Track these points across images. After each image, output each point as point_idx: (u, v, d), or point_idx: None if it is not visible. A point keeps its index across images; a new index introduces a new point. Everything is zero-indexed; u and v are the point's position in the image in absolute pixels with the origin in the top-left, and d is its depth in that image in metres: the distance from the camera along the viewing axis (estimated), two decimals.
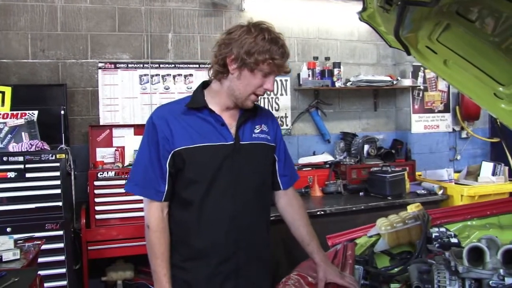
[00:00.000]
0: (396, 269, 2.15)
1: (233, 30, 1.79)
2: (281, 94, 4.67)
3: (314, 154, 4.77)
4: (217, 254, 1.84)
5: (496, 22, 1.73)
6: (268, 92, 1.99)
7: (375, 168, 4.36)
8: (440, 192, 4.29)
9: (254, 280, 1.91)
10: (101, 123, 4.05)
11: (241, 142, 1.86)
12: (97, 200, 3.50)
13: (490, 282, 1.60)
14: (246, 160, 1.87)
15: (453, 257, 1.78)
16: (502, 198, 3.01)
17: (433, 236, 2.14)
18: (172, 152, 1.79)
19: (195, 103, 1.86)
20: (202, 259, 1.83)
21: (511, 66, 1.97)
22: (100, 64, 4.07)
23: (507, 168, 4.44)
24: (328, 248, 2.34)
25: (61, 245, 3.24)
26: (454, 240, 2.10)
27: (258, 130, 1.94)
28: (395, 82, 4.89)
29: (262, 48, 1.73)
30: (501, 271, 1.60)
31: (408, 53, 2.27)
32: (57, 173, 3.25)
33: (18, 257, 2.29)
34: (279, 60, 1.76)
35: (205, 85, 1.93)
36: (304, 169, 4.50)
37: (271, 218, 2.08)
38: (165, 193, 1.81)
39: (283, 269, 2.57)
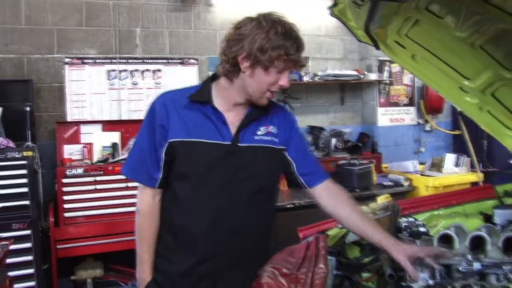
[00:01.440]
0: (366, 259, 2.21)
1: (242, 25, 1.70)
2: None
3: None
4: (196, 254, 1.80)
5: (463, 18, 1.79)
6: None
7: (343, 161, 4.45)
8: (406, 183, 4.43)
9: (234, 284, 1.85)
10: (68, 120, 3.99)
11: (238, 144, 1.77)
12: (65, 198, 3.45)
13: (459, 267, 1.68)
14: (241, 164, 1.78)
15: (424, 245, 1.86)
16: (466, 188, 3.14)
17: (403, 226, 2.19)
18: (169, 141, 1.74)
19: (199, 97, 1.79)
20: (182, 254, 1.81)
21: (477, 61, 2.05)
22: (66, 60, 4.01)
23: (469, 159, 4.62)
24: (299, 241, 2.37)
25: (29, 244, 3.19)
26: (422, 229, 2.14)
27: (263, 132, 1.84)
28: (361, 76, 5.01)
29: (276, 43, 1.64)
30: (469, 257, 1.68)
31: (377, 48, 2.32)
32: (24, 171, 3.19)
33: None
34: (294, 55, 1.68)
35: (214, 77, 1.85)
36: None
37: None
38: (158, 180, 1.79)
39: None
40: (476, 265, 1.64)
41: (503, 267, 1.58)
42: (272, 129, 1.84)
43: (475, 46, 1.91)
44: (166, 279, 1.84)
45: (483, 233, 1.76)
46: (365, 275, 2.12)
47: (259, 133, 1.80)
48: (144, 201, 1.83)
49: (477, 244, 1.76)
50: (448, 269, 1.73)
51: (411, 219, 2.27)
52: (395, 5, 1.84)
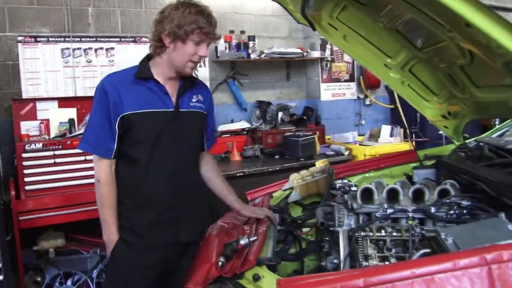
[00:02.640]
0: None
1: (164, 9, 2.04)
2: (200, 66, 4.77)
3: (232, 121, 5.06)
4: (159, 204, 2.11)
5: (380, 6, 2.10)
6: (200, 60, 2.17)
7: (289, 133, 4.76)
8: (346, 153, 4.80)
9: (191, 225, 2.20)
10: (23, 97, 4.04)
11: (180, 110, 2.12)
12: (25, 171, 3.53)
13: (377, 214, 2.03)
14: (184, 125, 2.14)
15: (350, 197, 2.20)
16: (393, 153, 3.46)
17: (337, 186, 2.47)
18: (121, 115, 2.02)
19: (142, 74, 2.09)
20: (145, 209, 2.11)
21: (395, 42, 2.38)
22: (19, 38, 4.03)
23: (402, 130, 5.05)
24: (247, 203, 2.62)
25: None
26: (354, 189, 2.41)
27: (195, 100, 2.21)
28: (305, 54, 5.29)
29: (189, 19, 1.96)
30: (385, 205, 2.04)
31: (314, 29, 2.62)
32: None
33: None
34: (206, 28, 2.00)
35: (149, 57, 2.15)
36: (223, 136, 4.78)
37: None
38: (114, 151, 2.06)
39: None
40: (389, 211, 2.00)
41: (408, 211, 1.93)
42: (200, 97, 2.23)
43: (392, 30, 2.24)
44: (133, 234, 2.11)
45: (396, 186, 2.12)
46: (305, 229, 2.45)
47: (193, 100, 2.19)
48: (103, 171, 2.10)
49: (394, 196, 2.11)
50: (369, 216, 2.09)
51: (345, 181, 2.56)
52: None
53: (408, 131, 5.09)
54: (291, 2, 2.55)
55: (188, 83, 2.19)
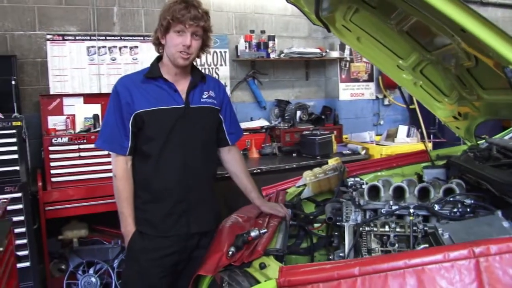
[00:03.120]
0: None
1: None
2: (221, 65, 5.01)
3: (251, 119, 5.16)
4: (172, 197, 2.22)
5: (390, 9, 2.16)
6: (188, 50, 2.13)
7: (306, 132, 4.82)
8: (363, 152, 4.83)
9: (202, 217, 2.30)
10: (51, 93, 4.20)
11: (190, 106, 2.21)
12: (52, 164, 3.70)
13: (382, 210, 2.10)
14: (195, 120, 2.23)
15: (357, 194, 2.27)
16: (406, 153, 3.49)
17: (349, 184, 2.51)
18: (134, 114, 2.14)
19: (152, 73, 2.21)
20: (159, 202, 2.22)
21: (406, 44, 2.44)
22: (48, 36, 4.20)
23: (419, 130, 5.07)
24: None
25: (20, 206, 3.39)
26: (364, 186, 2.51)
27: (206, 96, 2.28)
28: (324, 54, 5.35)
29: (167, 9, 2.06)
30: (391, 202, 2.11)
31: (328, 31, 2.70)
32: (14, 140, 3.38)
33: None
34: (181, 17, 2.02)
35: (159, 58, 2.26)
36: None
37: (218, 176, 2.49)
38: (128, 148, 2.18)
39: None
40: (394, 208, 2.08)
41: (410, 207, 2.00)
42: (211, 93, 2.30)
43: (402, 32, 2.30)
44: (148, 226, 2.23)
45: (402, 184, 2.18)
46: (316, 225, 2.54)
47: (204, 96, 2.27)
48: (120, 167, 2.23)
49: (400, 194, 2.17)
50: (375, 212, 2.16)
51: (357, 179, 2.60)
52: None
53: (423, 131, 5.21)
54: (306, 5, 2.63)
55: (198, 79, 2.28)
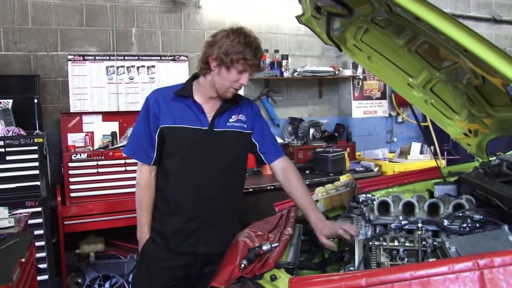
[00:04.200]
0: None
1: (216, 34, 2.17)
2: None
3: None
4: (184, 214, 2.25)
5: (398, 30, 2.22)
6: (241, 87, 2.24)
7: (319, 149, 4.85)
8: (376, 169, 4.85)
9: (212, 239, 2.29)
10: (71, 111, 4.34)
11: (214, 129, 2.23)
12: (71, 180, 3.81)
13: (392, 225, 2.13)
14: (217, 144, 2.23)
15: (367, 209, 2.31)
16: (418, 169, 3.48)
17: (360, 200, 2.51)
18: (160, 127, 2.20)
19: (183, 92, 2.25)
20: (173, 217, 2.27)
21: (415, 62, 2.47)
22: (69, 57, 4.36)
23: (432, 147, 5.08)
24: (275, 213, 2.75)
25: (40, 220, 3.47)
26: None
27: (233, 120, 2.28)
28: (337, 72, 5.42)
29: (237, 49, 2.07)
30: (400, 217, 2.13)
31: (340, 50, 2.75)
32: (35, 156, 3.49)
33: (12, 224, 2.64)
34: (251, 60, 2.09)
35: (194, 76, 2.31)
36: None
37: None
38: (153, 159, 2.25)
39: None
40: (404, 223, 2.11)
41: (419, 222, 2.04)
42: (241, 117, 2.30)
43: (411, 51, 2.34)
44: (161, 237, 2.28)
45: (411, 200, 2.21)
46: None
47: (231, 120, 2.27)
48: (143, 176, 2.29)
49: (410, 209, 2.21)
50: (385, 227, 2.19)
51: (368, 195, 2.61)
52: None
53: (437, 148, 5.21)
54: (317, 25, 2.68)
55: (230, 103, 2.28)
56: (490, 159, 2.92)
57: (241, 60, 2.09)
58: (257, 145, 2.39)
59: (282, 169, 2.44)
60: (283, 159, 2.47)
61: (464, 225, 2.03)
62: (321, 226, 2.21)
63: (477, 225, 2.01)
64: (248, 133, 2.34)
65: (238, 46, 2.08)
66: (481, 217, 2.02)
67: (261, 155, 2.41)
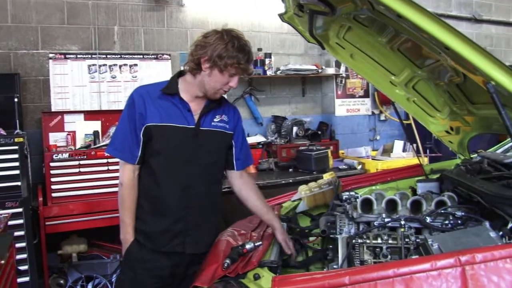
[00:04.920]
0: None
1: (209, 35, 2.14)
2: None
3: (248, 135, 5.08)
4: (170, 214, 2.23)
5: (381, 28, 2.23)
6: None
7: (303, 147, 4.87)
8: (359, 167, 4.89)
9: (199, 239, 2.27)
10: (52, 110, 4.27)
11: (200, 128, 2.22)
12: (53, 179, 3.75)
13: (375, 223, 2.14)
14: (202, 142, 2.23)
15: (351, 207, 2.32)
16: (401, 167, 3.51)
17: (344, 198, 2.55)
18: (145, 125, 2.17)
19: (169, 90, 2.22)
20: (159, 217, 2.24)
21: (398, 61, 2.49)
22: (50, 55, 4.29)
23: (414, 145, 5.11)
24: None
25: (21, 221, 3.40)
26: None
27: (218, 120, 2.29)
28: (320, 70, 5.43)
29: (231, 54, 2.07)
30: (384, 215, 2.15)
31: (323, 48, 2.75)
32: (16, 156, 3.42)
33: None
34: (244, 65, 2.12)
35: (180, 74, 2.29)
36: None
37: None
38: (138, 157, 2.21)
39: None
40: (386, 220, 2.12)
41: (401, 219, 2.05)
42: (224, 117, 2.31)
43: (394, 49, 2.35)
44: (146, 238, 2.25)
45: (394, 197, 2.22)
46: (311, 238, 2.57)
47: (215, 120, 2.28)
48: (126, 175, 2.24)
49: (393, 207, 2.22)
50: (368, 225, 2.21)
51: (352, 193, 2.62)
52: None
53: (419, 145, 5.25)
54: (300, 23, 2.68)
55: (214, 103, 2.28)
56: (472, 156, 2.96)
57: (235, 65, 2.10)
58: (234, 149, 2.40)
59: (244, 178, 2.46)
60: (246, 170, 2.53)
61: (446, 222, 2.06)
62: (279, 227, 2.30)
63: (459, 221, 2.04)
64: (230, 134, 2.35)
65: (233, 50, 2.08)
66: (463, 213, 2.05)
67: (234, 161, 2.41)
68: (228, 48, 2.08)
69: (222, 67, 2.10)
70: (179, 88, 2.24)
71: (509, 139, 3.31)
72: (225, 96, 2.40)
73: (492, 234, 1.62)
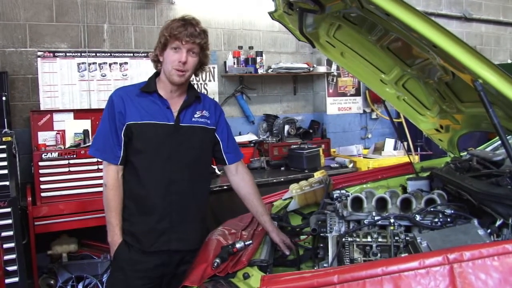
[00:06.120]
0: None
1: None
2: (209, 80, 5.08)
3: (240, 134, 5.18)
4: (155, 213, 2.22)
5: (372, 27, 2.23)
6: (184, 66, 2.17)
7: (294, 146, 4.88)
8: (351, 165, 4.89)
9: (185, 236, 2.27)
10: (41, 109, 4.23)
11: (180, 124, 2.22)
12: (42, 179, 3.72)
13: (365, 221, 2.14)
14: (184, 139, 2.23)
15: (341, 205, 2.32)
16: (392, 165, 3.52)
17: (334, 196, 2.52)
18: (126, 124, 2.17)
19: (148, 88, 2.24)
20: (143, 216, 2.23)
21: (388, 59, 2.49)
22: (39, 53, 4.25)
23: (405, 143, 5.15)
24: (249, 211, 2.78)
25: (9, 221, 3.36)
26: None
27: (198, 115, 2.29)
28: (311, 69, 5.44)
29: (166, 27, 2.13)
30: (374, 213, 2.15)
31: (313, 46, 2.75)
32: (4, 155, 3.38)
33: None
34: (179, 34, 2.08)
35: (157, 74, 2.29)
36: None
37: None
38: (120, 158, 2.20)
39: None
40: (376, 218, 2.13)
41: (391, 217, 2.05)
42: (205, 113, 2.32)
43: (383, 48, 2.35)
44: (134, 238, 2.24)
45: (384, 195, 2.22)
46: (302, 237, 2.57)
47: (196, 115, 2.28)
48: (110, 176, 2.24)
49: (383, 205, 2.22)
50: (358, 223, 2.21)
51: (342, 191, 2.62)
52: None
53: (410, 143, 5.28)
54: (290, 22, 2.68)
55: (193, 99, 2.29)
56: (461, 154, 2.97)
57: (170, 35, 2.10)
58: (221, 144, 2.40)
59: (241, 174, 2.46)
60: (240, 162, 2.50)
61: (436, 220, 2.07)
62: (278, 233, 2.33)
63: (449, 219, 2.05)
64: (212, 129, 2.35)
65: (166, 24, 2.14)
66: (452, 211, 2.06)
67: (224, 155, 2.41)
68: (165, 26, 2.14)
69: (163, 44, 2.13)
70: (158, 86, 2.26)
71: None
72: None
73: (481, 232, 1.63)
